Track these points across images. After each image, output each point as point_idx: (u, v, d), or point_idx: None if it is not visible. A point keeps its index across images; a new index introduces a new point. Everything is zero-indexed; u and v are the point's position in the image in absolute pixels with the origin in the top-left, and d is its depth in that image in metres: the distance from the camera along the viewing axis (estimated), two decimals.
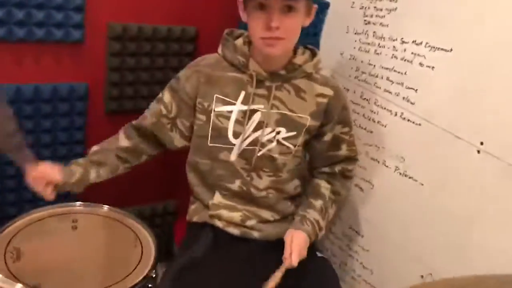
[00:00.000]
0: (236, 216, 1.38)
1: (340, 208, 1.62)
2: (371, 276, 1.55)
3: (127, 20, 1.61)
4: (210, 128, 1.32)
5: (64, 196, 1.72)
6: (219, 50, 1.34)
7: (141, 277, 1.29)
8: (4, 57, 1.46)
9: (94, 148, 1.39)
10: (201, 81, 1.32)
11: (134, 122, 1.42)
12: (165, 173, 1.98)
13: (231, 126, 1.31)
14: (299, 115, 1.30)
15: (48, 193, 1.26)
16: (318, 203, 1.38)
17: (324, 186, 1.42)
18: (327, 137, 1.37)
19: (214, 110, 1.30)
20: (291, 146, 1.33)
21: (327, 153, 1.40)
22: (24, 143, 1.24)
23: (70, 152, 1.71)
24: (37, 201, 1.70)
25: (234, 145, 1.32)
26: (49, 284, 1.23)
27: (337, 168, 1.43)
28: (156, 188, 2.02)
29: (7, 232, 1.36)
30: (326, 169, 1.44)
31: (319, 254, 1.45)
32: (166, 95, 1.38)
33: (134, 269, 1.33)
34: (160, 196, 2.05)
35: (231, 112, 1.30)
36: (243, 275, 1.32)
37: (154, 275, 1.34)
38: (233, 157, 1.33)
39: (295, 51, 1.30)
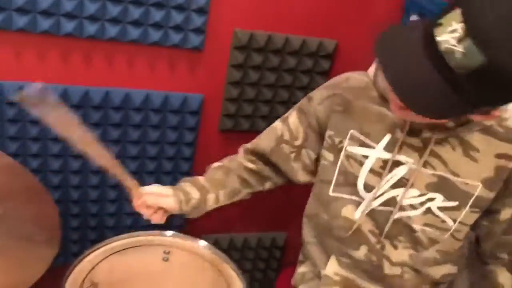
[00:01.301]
0: None
1: None
2: None
3: (254, 27, 1.36)
4: (336, 172, 1.01)
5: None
6: (371, 72, 1.00)
7: None
8: (116, 59, 1.31)
9: (215, 164, 1.16)
10: (336, 109, 1.00)
11: (249, 145, 1.15)
12: (278, 203, 1.72)
13: (363, 175, 0.97)
14: (465, 180, 0.92)
15: (158, 218, 1.07)
16: None
17: (502, 275, 1.00)
18: (504, 216, 0.95)
19: (345, 149, 0.99)
20: (449, 221, 0.95)
21: (504, 236, 0.98)
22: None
23: (176, 168, 1.53)
24: (137, 227, 1.59)
25: (363, 199, 0.99)
26: None
27: None
28: (266, 218, 1.77)
29: (88, 260, 1.20)
30: (505, 256, 1.01)
31: None
32: (292, 117, 1.09)
33: None
34: (270, 226, 1.80)
35: (366, 157, 0.97)
36: None
37: None
38: (358, 214, 1.00)
39: None
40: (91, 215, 1.52)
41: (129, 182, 1.03)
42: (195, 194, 1.08)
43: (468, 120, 0.88)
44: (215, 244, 1.37)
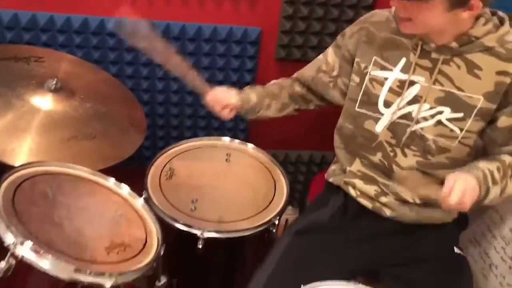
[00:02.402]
0: (370, 189, 1.29)
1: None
2: None
3: None
4: (361, 92, 1.24)
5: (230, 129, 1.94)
6: (393, 8, 1.20)
7: (264, 220, 1.37)
8: None
9: (272, 81, 1.45)
10: (363, 39, 1.23)
11: (296, 74, 1.42)
12: (328, 124, 1.96)
13: (383, 94, 1.20)
14: (469, 94, 1.11)
15: (225, 114, 1.35)
16: (494, 164, 1.11)
17: (503, 156, 1.15)
18: (501, 123, 1.12)
19: (369, 74, 1.22)
20: (456, 129, 1.14)
21: (504, 147, 1.15)
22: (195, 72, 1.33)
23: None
24: (210, 129, 1.94)
25: (382, 115, 1.22)
26: (203, 201, 1.42)
27: None
28: (318, 138, 2.02)
29: (167, 154, 1.57)
30: (505, 149, 1.16)
31: (457, 251, 1.28)
32: (330, 51, 1.34)
33: (266, 207, 1.44)
34: (320, 146, 2.06)
35: (386, 79, 1.19)
36: (362, 252, 1.28)
37: (276, 222, 1.40)
38: (379, 128, 1.23)
39: (478, 18, 1.07)
40: (173, 116, 1.88)
41: (203, 85, 1.32)
42: (253, 98, 1.37)
43: (469, 40, 1.07)
44: (273, 157, 1.68)
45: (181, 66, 1.31)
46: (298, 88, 1.42)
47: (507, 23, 1.08)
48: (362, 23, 1.25)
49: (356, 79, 1.25)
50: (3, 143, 1.19)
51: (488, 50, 1.08)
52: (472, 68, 1.09)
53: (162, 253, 1.05)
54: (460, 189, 0.99)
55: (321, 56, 1.37)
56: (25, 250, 0.84)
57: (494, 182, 1.07)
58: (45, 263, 0.85)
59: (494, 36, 1.07)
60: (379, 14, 1.24)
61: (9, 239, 0.84)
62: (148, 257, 1.00)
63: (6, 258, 0.83)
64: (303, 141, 2.03)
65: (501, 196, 1.09)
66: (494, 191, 1.07)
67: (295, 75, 1.43)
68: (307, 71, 1.39)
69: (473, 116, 1.12)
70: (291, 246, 1.27)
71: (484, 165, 1.08)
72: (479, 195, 1.03)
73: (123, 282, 0.91)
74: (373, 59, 1.20)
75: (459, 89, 1.11)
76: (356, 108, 1.26)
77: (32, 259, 0.84)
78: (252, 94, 1.37)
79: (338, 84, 1.33)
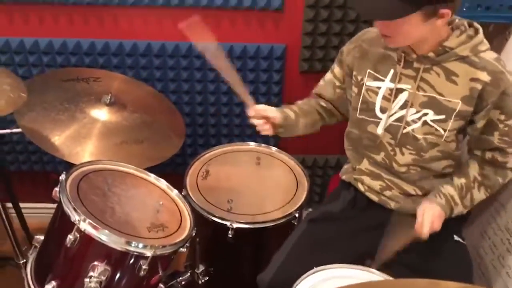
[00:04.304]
0: (376, 184, 1.46)
1: (499, 197, 1.49)
2: None
3: None
4: (360, 101, 1.41)
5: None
6: None
7: (286, 213, 1.58)
8: (221, 21, 1.86)
9: (299, 101, 1.58)
10: (358, 55, 1.41)
11: (315, 91, 1.57)
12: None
13: (378, 101, 1.37)
14: (448, 99, 1.27)
15: (267, 129, 1.43)
16: (459, 181, 1.35)
17: (472, 167, 1.37)
18: (480, 124, 1.30)
19: (365, 84, 1.39)
20: (440, 130, 1.31)
21: (480, 135, 1.33)
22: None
23: (268, 102, 2.02)
24: (243, 136, 2.16)
25: (380, 119, 1.38)
26: (237, 200, 1.62)
27: (488, 156, 1.35)
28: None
29: (203, 158, 1.80)
30: (478, 153, 1.37)
31: (456, 238, 1.42)
32: (335, 67, 1.51)
33: (288, 202, 1.65)
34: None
35: (379, 88, 1.36)
36: (370, 240, 1.42)
37: (297, 215, 1.59)
38: (379, 130, 1.39)
39: (453, 29, 1.25)
40: (211, 125, 2.11)
41: (249, 97, 1.43)
42: (291, 115, 1.49)
43: (445, 51, 1.24)
44: (302, 162, 1.87)
45: (236, 79, 1.41)
46: (323, 103, 1.56)
47: (481, 33, 1.24)
48: (356, 41, 1.43)
49: (355, 90, 1.43)
50: (70, 147, 1.48)
51: (463, 58, 1.24)
52: (449, 75, 1.25)
53: (193, 234, 1.27)
54: (429, 220, 1.27)
55: (328, 74, 1.53)
56: (87, 226, 1.09)
57: (455, 203, 1.34)
58: (102, 236, 1.10)
59: (468, 46, 1.23)
60: (371, 32, 1.42)
61: (75, 216, 1.10)
62: (181, 236, 1.23)
63: (73, 232, 1.09)
64: (330, 147, 2.20)
65: (468, 206, 1.37)
66: (457, 209, 1.35)
67: (316, 93, 1.57)
68: (325, 90, 1.53)
69: (453, 117, 1.28)
70: (305, 233, 1.46)
71: (447, 190, 1.34)
72: (446, 216, 1.32)
73: (160, 253, 1.15)
74: (367, 72, 1.38)
75: (439, 94, 1.27)
76: (358, 115, 1.43)
77: (92, 232, 1.09)
78: (290, 112, 1.48)
79: (347, 96, 1.50)
